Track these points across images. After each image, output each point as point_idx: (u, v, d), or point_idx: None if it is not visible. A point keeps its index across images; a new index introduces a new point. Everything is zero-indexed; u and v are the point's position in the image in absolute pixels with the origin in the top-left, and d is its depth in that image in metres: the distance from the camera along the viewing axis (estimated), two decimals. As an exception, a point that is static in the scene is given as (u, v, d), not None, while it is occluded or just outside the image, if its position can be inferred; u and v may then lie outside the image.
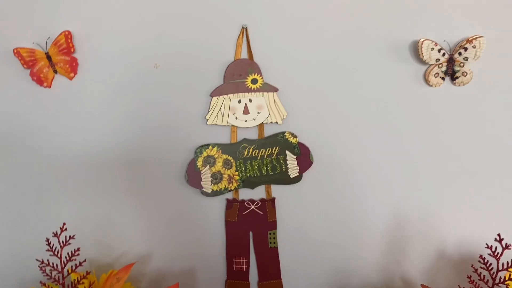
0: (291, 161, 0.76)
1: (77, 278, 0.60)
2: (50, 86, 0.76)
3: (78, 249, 0.61)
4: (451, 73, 0.74)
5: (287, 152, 0.76)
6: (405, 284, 0.77)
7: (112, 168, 0.76)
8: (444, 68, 0.74)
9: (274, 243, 0.77)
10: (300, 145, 0.75)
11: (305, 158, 0.75)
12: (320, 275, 0.78)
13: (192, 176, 0.76)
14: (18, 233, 0.77)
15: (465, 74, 0.74)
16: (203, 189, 0.76)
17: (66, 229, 0.62)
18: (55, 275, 0.60)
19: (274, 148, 0.76)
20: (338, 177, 0.76)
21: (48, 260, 0.61)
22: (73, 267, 0.60)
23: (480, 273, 0.65)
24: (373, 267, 0.77)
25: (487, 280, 0.64)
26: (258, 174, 0.76)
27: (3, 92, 0.77)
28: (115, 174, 0.77)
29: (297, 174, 0.76)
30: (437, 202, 0.76)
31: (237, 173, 0.76)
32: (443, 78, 0.75)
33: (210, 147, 0.76)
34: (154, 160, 0.77)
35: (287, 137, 0.75)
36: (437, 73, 0.74)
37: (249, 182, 0.76)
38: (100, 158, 0.76)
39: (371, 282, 0.77)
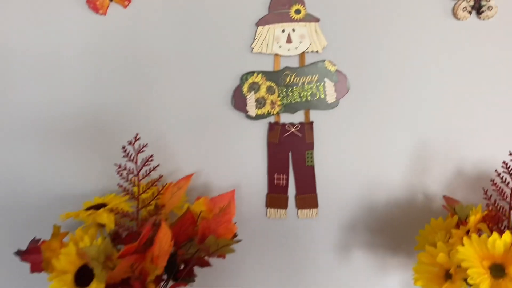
0: (329, 88, 0.83)
1: (151, 181, 0.69)
2: (105, 14, 0.82)
3: (152, 156, 0.69)
4: (478, 8, 0.81)
5: (325, 79, 0.83)
6: (427, 198, 0.87)
7: (167, 90, 0.84)
8: (472, 3, 0.81)
9: (311, 161, 0.86)
10: (338, 73, 0.83)
11: (342, 86, 0.83)
12: (350, 190, 0.87)
13: (238, 101, 0.83)
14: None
15: (490, 8, 0.81)
16: (248, 113, 0.83)
17: (139, 138, 0.69)
18: (131, 178, 0.69)
19: (314, 75, 0.83)
20: (371, 103, 0.84)
21: (125, 165, 0.69)
22: (147, 171, 0.69)
23: (497, 184, 0.75)
24: (398, 184, 0.86)
25: (503, 192, 0.74)
26: (298, 100, 0.83)
27: (58, 18, 0.82)
28: (170, 97, 0.84)
29: (334, 100, 0.83)
30: (460, 126, 0.84)
31: (279, 98, 0.83)
32: (470, 12, 0.81)
33: (255, 74, 0.83)
34: (203, 86, 0.84)
35: (326, 65, 0.82)
36: (465, 7, 0.81)
37: (290, 107, 0.84)
38: (160, 77, 0.83)
39: (396, 196, 0.87)
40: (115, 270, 0.62)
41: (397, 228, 0.87)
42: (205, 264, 0.73)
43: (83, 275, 0.65)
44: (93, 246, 0.62)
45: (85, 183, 0.86)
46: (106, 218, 0.68)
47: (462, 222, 0.75)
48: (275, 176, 0.86)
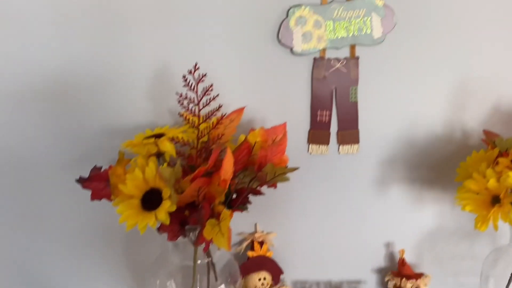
0: (376, 22, 0.83)
1: (211, 111, 0.70)
2: None
3: (212, 85, 0.70)
4: None
5: (372, 13, 0.83)
6: (464, 134, 0.89)
7: (212, 23, 0.83)
8: None
9: (355, 97, 0.87)
10: (386, 8, 0.83)
11: (389, 20, 0.83)
12: (391, 127, 0.89)
13: (284, 36, 0.83)
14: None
15: None
16: (294, 48, 0.84)
17: (198, 68, 0.70)
18: (192, 107, 0.69)
19: (361, 9, 0.83)
20: (416, 39, 0.85)
21: (186, 94, 0.69)
22: (208, 101, 0.69)
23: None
24: (438, 120, 0.89)
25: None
26: (345, 35, 0.84)
27: None
28: (214, 31, 0.83)
29: (381, 35, 0.84)
30: (498, 63, 0.86)
31: (326, 33, 0.83)
32: None
33: (302, 7, 0.82)
34: (248, 20, 0.83)
35: (374, -1, 0.82)
36: None
37: (336, 42, 0.84)
38: (205, 10, 0.82)
39: (435, 132, 0.89)
40: (185, 193, 0.64)
41: (434, 163, 0.91)
42: (258, 192, 0.76)
43: (149, 200, 0.67)
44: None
45: (132, 117, 0.86)
46: (168, 146, 0.69)
47: (502, 154, 0.79)
48: (318, 112, 0.88)
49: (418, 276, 0.91)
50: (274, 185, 0.76)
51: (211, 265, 0.78)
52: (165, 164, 0.67)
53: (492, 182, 0.69)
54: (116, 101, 0.86)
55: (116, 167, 0.69)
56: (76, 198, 0.89)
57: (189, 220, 0.68)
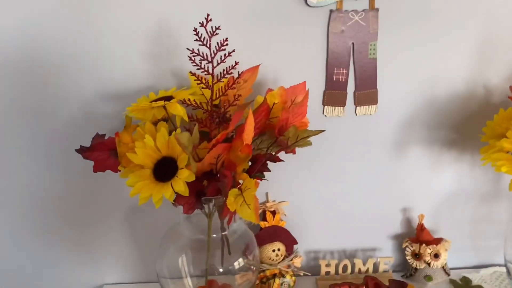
0: (398, -31, 0.76)
1: (226, 69, 0.62)
2: None
3: (227, 39, 0.62)
4: None
5: (395, -40, 0.75)
6: (487, 91, 0.84)
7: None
8: None
9: (374, 54, 0.80)
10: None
11: (412, -33, 0.76)
12: (410, 85, 0.83)
13: (298, -15, 0.75)
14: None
15: None
16: (308, -1, 0.76)
17: (211, 19, 0.61)
18: (204, 65, 0.62)
19: (383, -45, 0.75)
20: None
21: (198, 50, 0.61)
22: (223, 57, 0.62)
23: None
24: (459, 77, 0.83)
25: None
26: (364, -16, 0.76)
27: None
28: None
29: (403, -17, 0.77)
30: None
31: (343, -18, 0.76)
32: None
33: (319, -47, 0.74)
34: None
35: None
36: None
37: (354, -7, 0.76)
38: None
39: (456, 90, 0.84)
40: (203, 161, 0.57)
41: (454, 123, 0.86)
42: (277, 159, 0.69)
43: (161, 170, 0.59)
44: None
45: (129, 81, 0.78)
46: (179, 109, 0.61)
47: (532, 111, 0.74)
48: (335, 70, 0.81)
49: (438, 241, 0.87)
50: (293, 151, 0.70)
51: (225, 239, 0.72)
52: (179, 130, 0.60)
53: (533, 140, 0.64)
54: (110, 63, 0.77)
55: (124, 133, 0.61)
56: (72, 170, 0.81)
57: (207, 190, 0.61)
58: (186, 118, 0.62)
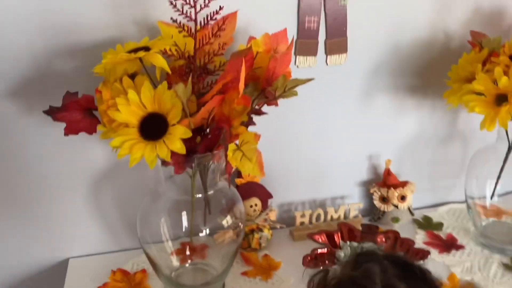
0: None
1: (209, 14, 0.57)
2: None
3: (211, -20, 0.56)
4: None
5: None
6: (447, 37, 0.87)
7: None
8: None
9: (345, 0, 0.79)
10: None
11: None
12: (377, 33, 0.83)
13: None
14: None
15: None
16: None
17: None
18: (186, 11, 0.56)
19: None
20: None
21: (179, -7, 0.55)
22: (206, 2, 0.56)
23: None
24: (422, 23, 0.85)
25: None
26: None
27: None
28: None
29: None
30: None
31: None
32: None
33: None
34: None
35: None
36: None
37: None
38: None
39: (419, 36, 0.85)
40: (197, 115, 0.53)
41: (417, 69, 0.88)
42: (261, 113, 0.66)
43: (148, 129, 0.54)
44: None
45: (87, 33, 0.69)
46: (160, 60, 0.55)
47: (492, 54, 0.78)
48: (306, 18, 0.78)
49: (404, 184, 0.91)
50: (275, 103, 0.68)
51: (208, 199, 0.69)
52: (165, 83, 0.54)
53: (504, 80, 0.68)
54: (64, 14, 0.68)
55: (104, 89, 0.54)
56: (38, 134, 0.72)
57: (198, 148, 0.57)
58: (168, 69, 0.56)
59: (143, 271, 0.78)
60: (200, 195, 0.67)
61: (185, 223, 0.69)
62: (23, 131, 0.72)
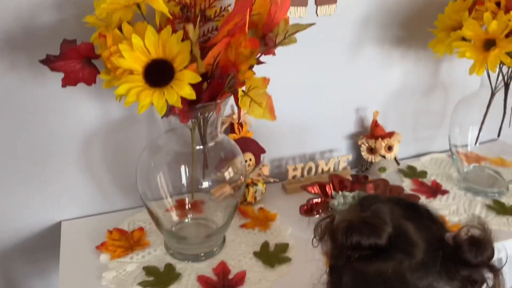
0: None
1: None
2: None
3: None
4: None
5: None
6: (432, -12, 0.88)
7: None
8: None
9: None
10: None
11: None
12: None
13: None
14: None
15: None
16: None
17: None
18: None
19: None
20: None
21: None
22: None
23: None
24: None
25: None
26: None
27: None
28: None
29: None
30: None
31: None
32: None
33: None
34: None
35: None
36: None
37: None
38: None
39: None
40: (204, 60, 0.52)
41: (403, 20, 0.89)
42: (259, 62, 0.65)
43: (153, 75, 0.52)
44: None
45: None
46: (160, 4, 0.53)
47: (477, 2, 0.79)
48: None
49: (391, 135, 0.94)
50: (273, 51, 0.67)
51: (207, 151, 0.68)
52: (169, 27, 0.52)
53: (494, 24, 0.70)
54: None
55: (108, 35, 0.51)
56: (24, 92, 0.68)
57: (202, 96, 0.56)
58: (168, 14, 0.54)
59: (141, 229, 0.77)
60: (200, 147, 0.66)
61: (184, 177, 0.68)
62: (8, 89, 0.68)
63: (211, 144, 0.67)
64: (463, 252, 0.41)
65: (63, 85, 0.54)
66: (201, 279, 0.67)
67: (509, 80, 0.80)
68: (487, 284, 0.43)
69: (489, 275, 0.42)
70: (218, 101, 0.58)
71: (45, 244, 0.81)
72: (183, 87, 0.50)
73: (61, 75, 0.54)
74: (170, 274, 0.68)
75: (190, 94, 0.50)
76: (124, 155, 0.79)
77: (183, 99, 0.53)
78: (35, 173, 0.76)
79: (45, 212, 0.79)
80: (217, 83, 0.55)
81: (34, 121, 0.72)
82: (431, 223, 0.47)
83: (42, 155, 0.75)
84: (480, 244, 0.41)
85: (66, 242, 0.75)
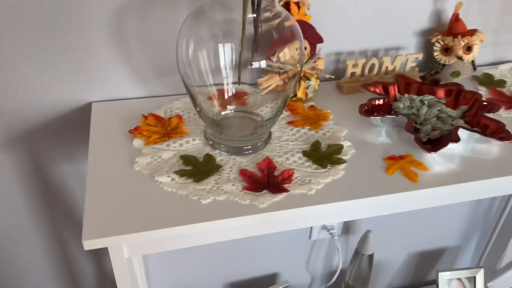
0: None
1: None
2: None
3: None
4: None
5: None
6: None
7: None
8: None
9: None
10: None
11: None
12: None
13: None
14: None
15: None
16: None
17: None
18: None
19: None
20: None
21: None
22: None
23: None
24: None
25: None
26: None
27: None
28: None
29: None
30: None
31: None
32: None
33: None
34: None
35: None
36: None
37: None
38: None
39: None
40: None
41: None
42: None
43: None
44: None
45: None
46: None
47: None
48: None
49: (472, 32, 0.79)
50: None
51: (259, 22, 0.57)
52: None
53: None
54: None
55: None
56: None
57: None
58: None
59: (179, 116, 0.69)
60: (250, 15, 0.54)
61: (230, 55, 0.57)
62: None
63: (265, 14, 0.55)
64: None
65: None
66: (244, 173, 0.60)
67: None
68: None
69: None
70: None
71: (74, 126, 0.74)
72: None
73: None
74: (210, 165, 0.60)
75: None
76: (156, 35, 0.69)
77: None
78: (63, 46, 0.67)
79: (73, 91, 0.72)
80: None
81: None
82: None
83: (71, 25, 0.66)
84: None
85: (97, 125, 0.68)
